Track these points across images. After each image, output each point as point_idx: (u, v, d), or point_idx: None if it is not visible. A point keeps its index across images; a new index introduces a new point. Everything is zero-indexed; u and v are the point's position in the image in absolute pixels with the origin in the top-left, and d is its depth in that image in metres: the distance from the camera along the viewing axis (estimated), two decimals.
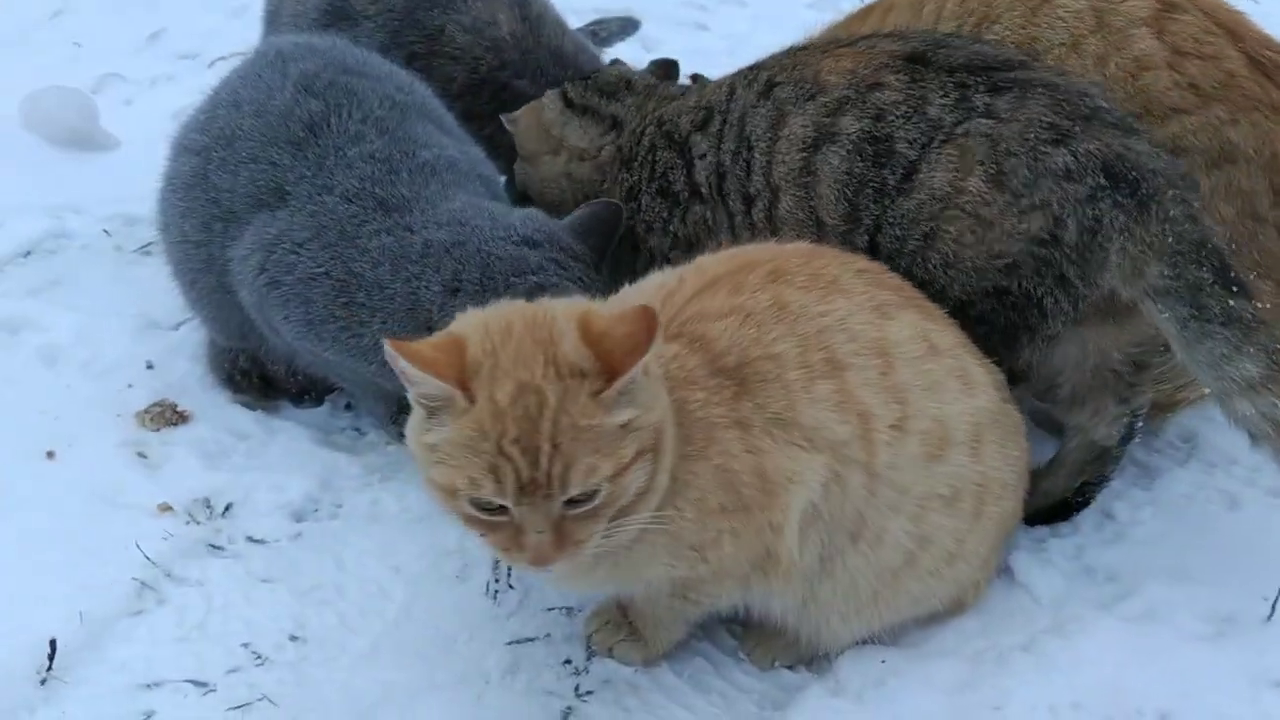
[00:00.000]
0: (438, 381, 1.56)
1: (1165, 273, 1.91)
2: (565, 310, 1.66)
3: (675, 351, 1.73)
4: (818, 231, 2.10)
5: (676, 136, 2.32)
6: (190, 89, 3.34)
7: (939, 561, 1.87)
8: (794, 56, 2.22)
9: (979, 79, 2.03)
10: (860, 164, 2.06)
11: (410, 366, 1.55)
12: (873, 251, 2.04)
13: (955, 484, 1.83)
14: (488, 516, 1.60)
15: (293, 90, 2.31)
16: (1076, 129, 1.96)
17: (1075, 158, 1.94)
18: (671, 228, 2.32)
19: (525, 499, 1.56)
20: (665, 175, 2.32)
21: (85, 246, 3.03)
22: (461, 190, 2.27)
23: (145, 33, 4.04)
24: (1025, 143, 1.96)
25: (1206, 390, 1.99)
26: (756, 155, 2.17)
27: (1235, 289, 1.89)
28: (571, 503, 1.58)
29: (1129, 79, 2.17)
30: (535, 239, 2.18)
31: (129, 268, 2.95)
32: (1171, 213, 1.92)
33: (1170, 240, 1.91)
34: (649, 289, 1.90)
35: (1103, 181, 1.93)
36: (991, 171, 1.96)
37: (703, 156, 2.26)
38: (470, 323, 1.67)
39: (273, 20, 2.94)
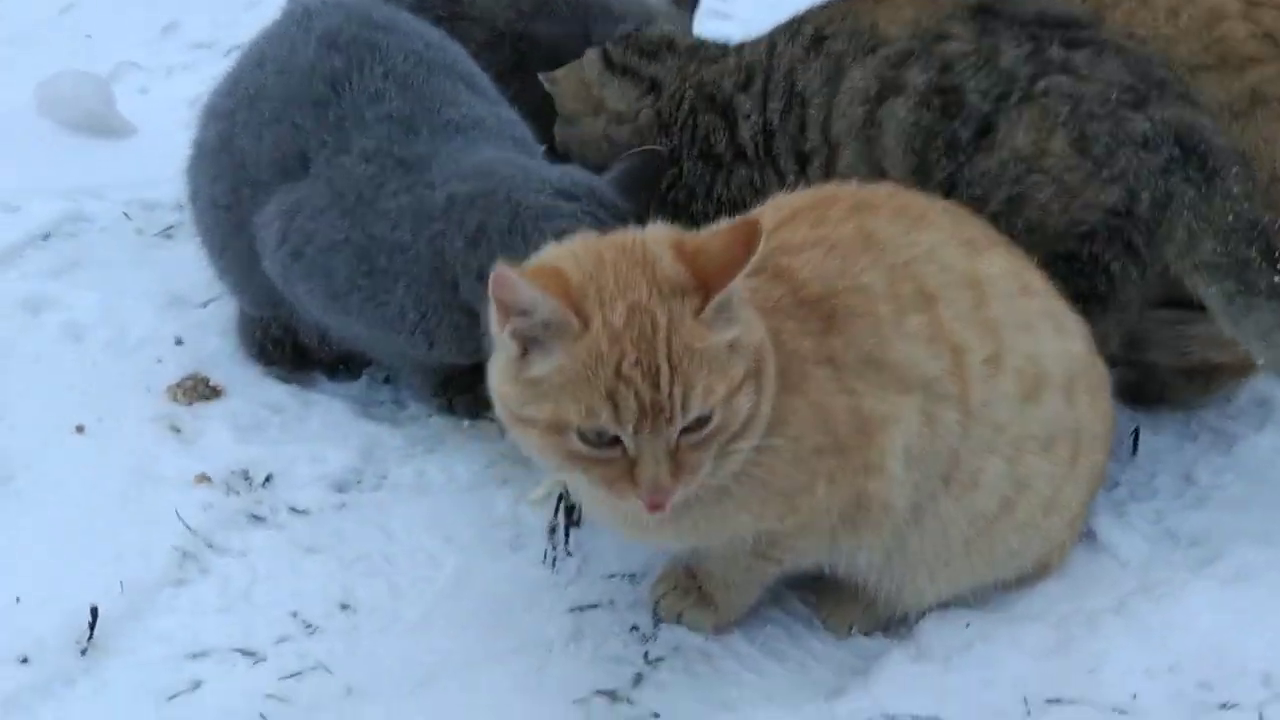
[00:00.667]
0: (553, 303, 1.47)
1: (1217, 249, 1.92)
2: (654, 234, 1.58)
3: (757, 284, 1.64)
4: None
5: (719, 99, 2.25)
6: (207, 77, 3.23)
7: (1035, 510, 1.78)
8: (841, 7, 2.15)
9: (1052, 32, 2.00)
10: (928, 115, 2.01)
11: (524, 288, 1.47)
12: None
13: (1051, 428, 1.75)
14: (596, 452, 1.51)
15: (316, 46, 2.22)
16: (1153, 94, 1.95)
17: (1152, 125, 1.93)
18: (715, 192, 2.26)
19: (645, 424, 1.48)
20: (707, 138, 2.25)
21: (105, 230, 2.94)
22: (490, 148, 2.17)
23: (158, 25, 3.96)
24: (1106, 104, 1.94)
25: (1260, 361, 1.97)
26: (811, 111, 2.11)
27: None
28: (684, 431, 1.50)
29: (1203, 30, 2.11)
30: (573, 192, 2.07)
31: (151, 250, 2.87)
32: (1234, 190, 1.93)
33: (1229, 219, 1.91)
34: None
35: (1176, 153, 1.92)
36: (1075, 135, 1.94)
37: (747, 117, 2.20)
38: (557, 254, 1.60)
39: None
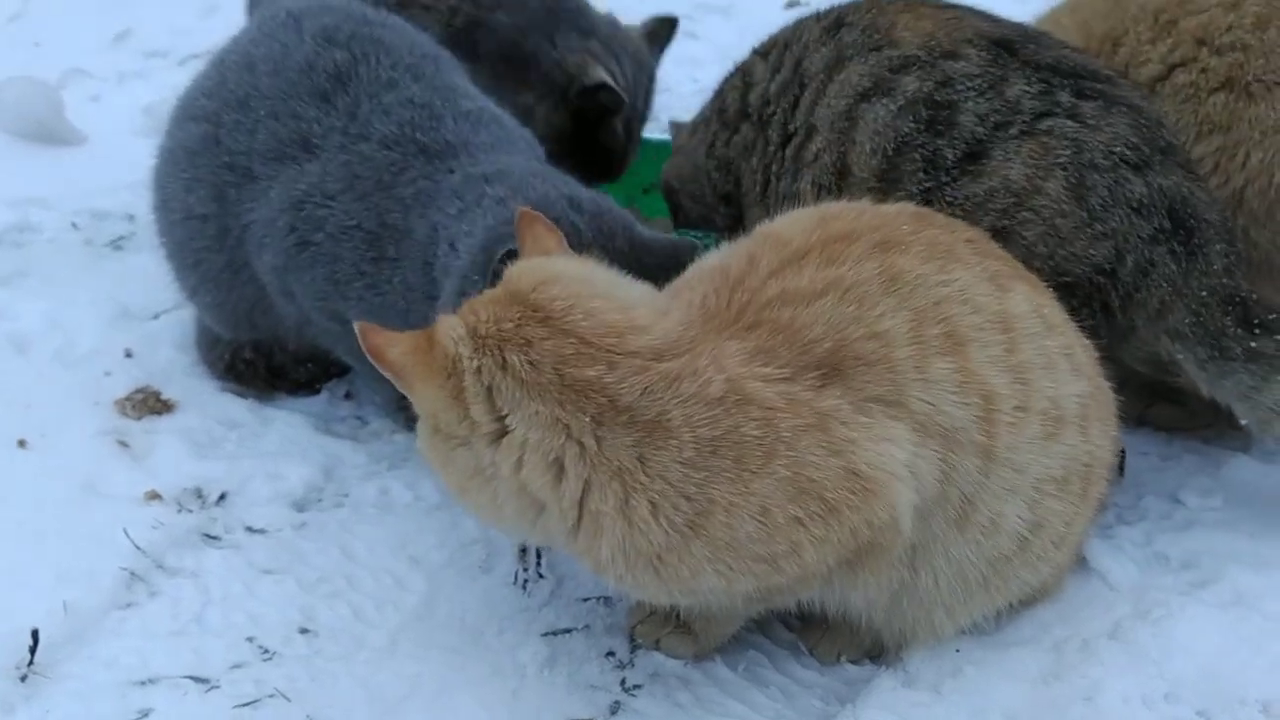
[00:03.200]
0: None
1: (1189, 319, 1.90)
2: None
3: (737, 367, 1.53)
4: (839, 181, 2.01)
5: (744, 64, 2.28)
6: (161, 85, 3.19)
7: (1048, 545, 1.72)
8: (872, 1, 2.12)
9: (1065, 81, 1.96)
10: (910, 124, 1.96)
11: None
12: None
13: (1066, 465, 1.68)
14: None
15: (312, 44, 2.15)
16: (1155, 159, 1.91)
17: (1149, 191, 1.89)
18: (717, 150, 2.28)
19: None
20: (726, 98, 2.27)
21: (52, 240, 2.84)
22: (513, 148, 2.11)
23: (111, 33, 3.87)
24: (1110, 157, 1.89)
25: (1244, 421, 1.95)
26: (806, 94, 2.09)
27: (1259, 330, 1.89)
28: None
29: None
30: (580, 203, 1.96)
31: (101, 261, 2.77)
32: (1214, 266, 1.91)
33: (1203, 293, 1.90)
34: (708, 271, 1.69)
35: (1166, 224, 1.89)
36: (1073, 181, 1.89)
37: (759, 83, 2.20)
38: None
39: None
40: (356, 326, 1.59)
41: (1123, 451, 2.15)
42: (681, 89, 3.54)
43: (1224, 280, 1.91)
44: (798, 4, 4.25)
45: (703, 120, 2.36)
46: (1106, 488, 1.81)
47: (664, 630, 1.82)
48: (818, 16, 2.17)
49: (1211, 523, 2.04)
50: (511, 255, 1.77)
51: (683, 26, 4.09)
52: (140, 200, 2.48)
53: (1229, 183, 2.04)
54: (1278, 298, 2.05)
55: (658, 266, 1.89)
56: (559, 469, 1.54)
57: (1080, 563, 1.92)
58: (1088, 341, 1.78)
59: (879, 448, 1.54)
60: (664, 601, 1.70)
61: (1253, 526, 2.02)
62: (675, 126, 2.58)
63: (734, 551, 1.54)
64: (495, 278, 1.77)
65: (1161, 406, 2.24)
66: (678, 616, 1.82)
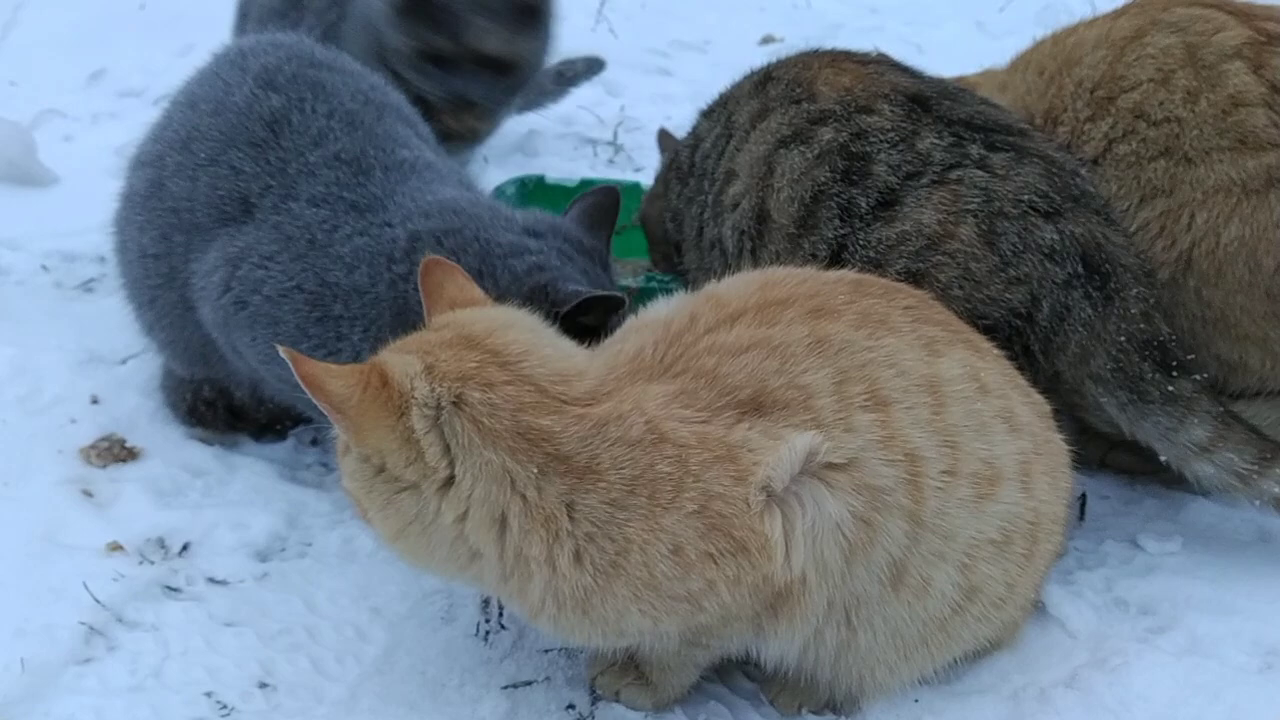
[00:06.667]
0: None
1: (1108, 364, 1.93)
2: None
3: (657, 409, 1.56)
4: (759, 226, 2.05)
5: (696, 125, 2.36)
6: (134, 125, 3.15)
7: (988, 608, 1.72)
8: (801, 59, 2.20)
9: (976, 135, 2.01)
10: (826, 173, 2.01)
11: None
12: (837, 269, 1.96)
13: (1007, 525, 1.68)
14: None
15: (252, 85, 2.14)
16: (1066, 207, 1.95)
17: (1060, 238, 1.92)
18: (671, 201, 2.36)
19: None
20: (680, 154, 2.36)
21: (21, 283, 2.85)
22: (447, 188, 2.12)
23: (85, 72, 3.88)
24: (1019, 205, 1.93)
25: (1163, 458, 1.97)
26: (732, 144, 2.16)
27: (1176, 373, 1.93)
28: None
29: (1221, 116, 2.06)
30: (538, 229, 2.04)
31: (70, 304, 2.77)
32: (1131, 311, 1.94)
33: (1121, 338, 1.93)
34: (651, 322, 1.72)
35: (1079, 269, 1.92)
36: (984, 227, 1.92)
37: (703, 140, 2.28)
38: None
39: (243, 17, 2.81)
40: (286, 354, 1.49)
41: (1083, 495, 2.18)
42: (654, 125, 3.56)
43: (1141, 325, 1.94)
44: (773, 40, 4.29)
45: (664, 179, 2.43)
46: (1060, 541, 1.81)
47: (623, 681, 1.82)
48: (751, 73, 2.25)
49: (1171, 568, 2.04)
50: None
51: (657, 63, 4.17)
52: (111, 242, 2.48)
53: (1175, 245, 2.06)
54: (1232, 353, 2.07)
55: (598, 223, 2.14)
56: (503, 524, 1.54)
57: (1039, 609, 1.93)
58: (1038, 398, 1.79)
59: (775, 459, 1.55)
60: (597, 644, 1.70)
61: (1211, 571, 2.03)
62: (663, 134, 2.62)
63: (654, 590, 1.56)
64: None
65: (1119, 453, 2.25)
66: (637, 667, 1.82)
